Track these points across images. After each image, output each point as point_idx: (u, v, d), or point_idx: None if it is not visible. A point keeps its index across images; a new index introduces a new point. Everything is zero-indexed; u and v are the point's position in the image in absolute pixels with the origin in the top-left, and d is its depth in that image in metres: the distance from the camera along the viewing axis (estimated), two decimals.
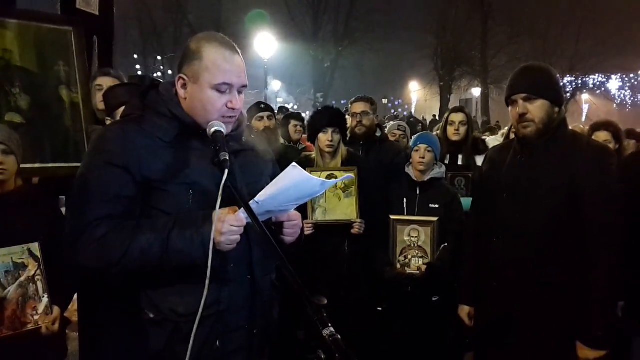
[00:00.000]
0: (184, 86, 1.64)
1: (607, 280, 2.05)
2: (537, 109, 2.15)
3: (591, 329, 2.07)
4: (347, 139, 3.88)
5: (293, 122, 4.74)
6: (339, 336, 1.03)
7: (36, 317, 2.20)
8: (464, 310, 2.54)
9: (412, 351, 3.08)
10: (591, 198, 2.08)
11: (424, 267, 2.97)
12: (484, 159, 2.68)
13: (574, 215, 2.11)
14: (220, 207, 1.49)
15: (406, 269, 3.01)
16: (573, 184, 2.10)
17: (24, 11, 2.66)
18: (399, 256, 3.03)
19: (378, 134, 3.85)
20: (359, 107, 3.68)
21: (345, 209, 3.00)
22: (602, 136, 3.40)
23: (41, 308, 2.21)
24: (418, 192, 3.11)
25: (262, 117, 3.66)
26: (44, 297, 2.23)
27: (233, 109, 1.63)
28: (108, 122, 2.48)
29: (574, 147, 2.17)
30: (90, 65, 3.07)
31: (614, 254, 2.05)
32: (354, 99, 3.85)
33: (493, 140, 4.88)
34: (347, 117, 3.56)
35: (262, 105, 3.82)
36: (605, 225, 2.07)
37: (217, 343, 1.64)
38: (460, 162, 3.70)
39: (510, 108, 2.26)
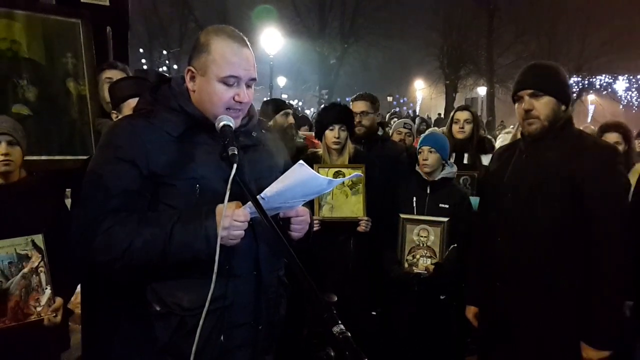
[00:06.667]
0: (193, 78, 1.64)
1: (611, 279, 2.01)
2: (542, 105, 2.12)
3: (595, 329, 2.04)
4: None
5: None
6: (349, 334, 1.02)
7: (39, 309, 2.20)
8: (471, 311, 2.52)
9: (417, 350, 3.07)
10: (595, 196, 2.02)
11: (431, 267, 2.93)
12: (491, 158, 2.65)
13: (579, 215, 2.05)
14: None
15: (414, 268, 2.97)
16: (577, 182, 2.04)
17: (32, 2, 2.65)
18: (407, 255, 3.00)
19: (380, 132, 3.78)
20: (359, 106, 3.62)
21: (353, 207, 2.98)
22: (612, 137, 3.39)
23: (44, 300, 2.21)
24: (428, 192, 3.07)
25: (288, 114, 3.56)
26: (46, 289, 2.23)
27: (240, 102, 1.61)
28: (114, 116, 2.47)
29: (579, 145, 2.12)
30: (107, 57, 3.05)
31: (619, 252, 2.01)
32: (354, 96, 3.77)
33: (501, 139, 4.83)
34: None
35: (281, 102, 3.74)
36: (609, 224, 2.02)
37: (222, 338, 1.64)
38: (465, 161, 3.67)
39: (516, 105, 2.22)
